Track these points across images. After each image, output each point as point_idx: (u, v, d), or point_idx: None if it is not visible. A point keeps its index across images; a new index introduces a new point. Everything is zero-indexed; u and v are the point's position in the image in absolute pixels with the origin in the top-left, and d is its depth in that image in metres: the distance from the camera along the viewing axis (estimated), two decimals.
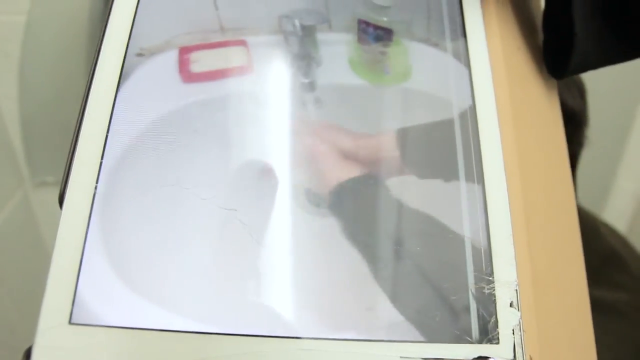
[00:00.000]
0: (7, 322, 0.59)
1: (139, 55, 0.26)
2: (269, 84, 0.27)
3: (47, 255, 0.75)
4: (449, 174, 0.24)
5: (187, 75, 0.26)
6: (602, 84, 0.62)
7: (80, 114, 0.24)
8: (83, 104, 0.24)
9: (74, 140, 0.23)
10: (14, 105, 0.64)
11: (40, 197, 0.70)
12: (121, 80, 0.25)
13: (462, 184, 0.24)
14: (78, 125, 0.24)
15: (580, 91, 0.50)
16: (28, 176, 0.68)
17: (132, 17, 0.26)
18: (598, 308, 0.28)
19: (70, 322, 0.20)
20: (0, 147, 0.63)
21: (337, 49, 0.28)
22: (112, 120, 0.24)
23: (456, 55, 0.27)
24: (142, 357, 0.20)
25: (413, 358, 0.21)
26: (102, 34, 0.26)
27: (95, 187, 0.23)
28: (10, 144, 0.66)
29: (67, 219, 0.22)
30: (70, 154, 0.23)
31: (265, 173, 0.25)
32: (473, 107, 0.25)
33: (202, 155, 0.25)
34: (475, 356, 0.20)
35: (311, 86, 0.27)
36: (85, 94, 0.24)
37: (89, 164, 0.23)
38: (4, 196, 0.63)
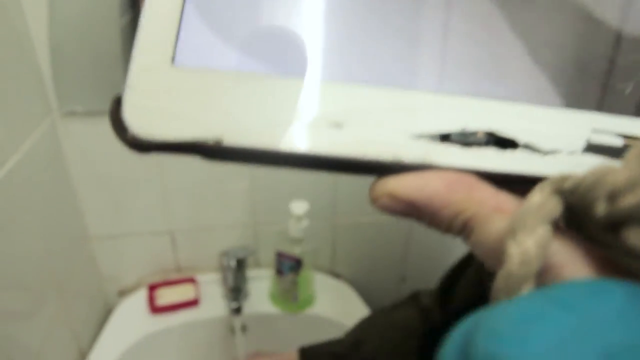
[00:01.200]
0: (31, 253, 0.58)
1: None
2: None
3: (71, 187, 0.73)
4: None
5: None
6: None
7: None
8: None
9: None
10: (44, 28, 0.61)
11: (68, 127, 0.68)
12: None
13: None
14: None
15: None
16: (56, 105, 0.66)
17: None
18: None
19: (172, 63, 0.17)
20: (28, 73, 0.61)
21: None
22: None
23: None
24: (259, 101, 0.18)
25: (607, 131, 0.18)
26: None
27: None
28: (39, 70, 0.63)
29: None
30: None
31: None
32: None
33: None
34: None
35: None
36: None
37: None
38: (31, 125, 0.60)
